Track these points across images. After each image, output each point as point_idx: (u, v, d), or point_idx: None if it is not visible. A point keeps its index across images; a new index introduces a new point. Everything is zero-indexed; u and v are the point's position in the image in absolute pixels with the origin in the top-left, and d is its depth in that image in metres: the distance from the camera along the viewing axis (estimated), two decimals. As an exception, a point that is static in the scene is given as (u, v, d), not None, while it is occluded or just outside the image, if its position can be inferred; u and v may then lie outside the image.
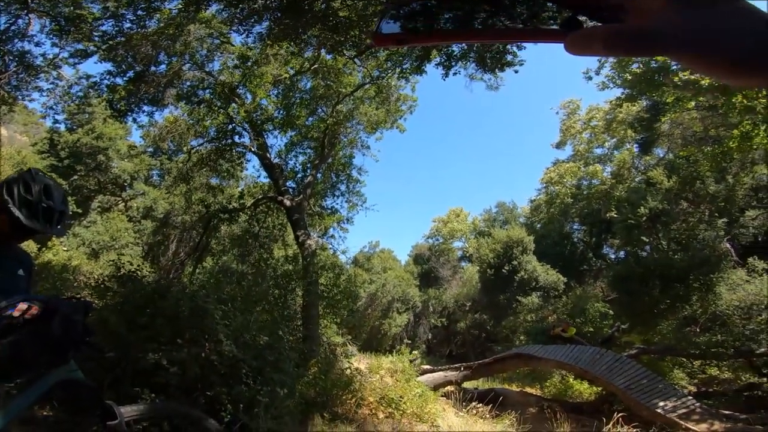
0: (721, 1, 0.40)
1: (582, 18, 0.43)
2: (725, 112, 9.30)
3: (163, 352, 3.70)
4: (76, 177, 18.32)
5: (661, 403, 8.73)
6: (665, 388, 9.41)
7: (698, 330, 13.21)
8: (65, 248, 15.79)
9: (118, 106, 11.48)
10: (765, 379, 11.95)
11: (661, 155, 20.56)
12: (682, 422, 8.19)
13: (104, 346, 2.90)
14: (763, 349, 11.23)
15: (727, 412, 9.02)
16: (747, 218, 17.42)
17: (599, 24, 0.42)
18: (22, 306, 1.65)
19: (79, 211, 17.80)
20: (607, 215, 20.30)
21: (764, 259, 14.36)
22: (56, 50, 9.75)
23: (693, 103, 9.87)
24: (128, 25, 9.06)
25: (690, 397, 9.24)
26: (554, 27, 0.43)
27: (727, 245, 16.74)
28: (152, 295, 4.77)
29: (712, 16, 0.39)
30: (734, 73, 0.40)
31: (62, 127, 17.66)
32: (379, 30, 0.46)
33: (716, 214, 17.04)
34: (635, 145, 21.38)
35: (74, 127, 18.63)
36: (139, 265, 6.09)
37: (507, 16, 0.45)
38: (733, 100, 8.25)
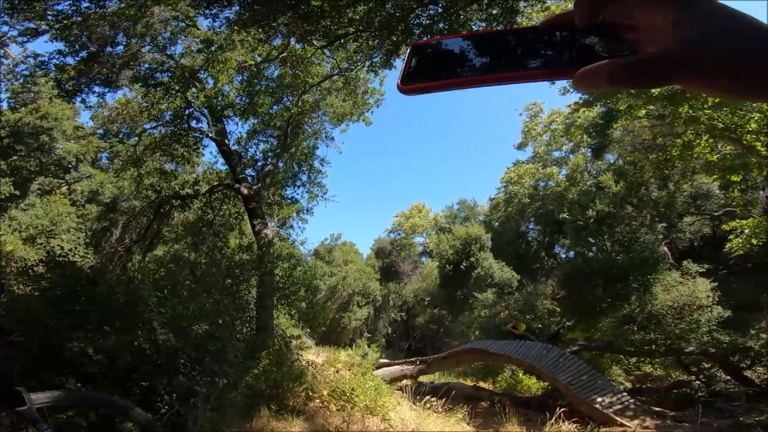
0: (725, 14, 0.37)
1: (597, 47, 0.42)
2: (672, 121, 9.91)
3: (89, 340, 3.42)
4: (15, 157, 16.81)
5: (599, 399, 9.22)
6: (603, 384, 9.95)
7: (635, 328, 14.10)
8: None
9: (67, 86, 10.79)
10: (693, 377, 12.94)
11: (612, 161, 21.75)
12: (617, 418, 8.70)
13: (8, 329, 2.65)
14: (691, 348, 12.14)
15: (657, 408, 9.63)
16: (684, 224, 18.80)
17: (606, 59, 0.41)
18: None
19: (17, 193, 16.36)
20: (560, 216, 21.22)
21: (698, 263, 15.56)
22: (5, 29, 9.15)
23: (644, 111, 10.44)
24: (86, 4, 8.53)
25: (625, 394, 9.83)
26: (567, 63, 0.43)
27: (665, 248, 18.02)
28: (83, 281, 4.44)
29: (721, 31, 0.36)
30: (753, 93, 0.38)
31: (4, 106, 16.46)
32: (403, 78, 0.46)
33: (657, 219, 18.30)
34: (589, 150, 22.47)
35: (17, 106, 17.23)
36: (71, 250, 5.63)
37: (528, 59, 0.45)
38: (680, 110, 8.79)
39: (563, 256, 25.63)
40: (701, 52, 0.36)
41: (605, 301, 15.52)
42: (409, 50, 0.49)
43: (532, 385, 13.45)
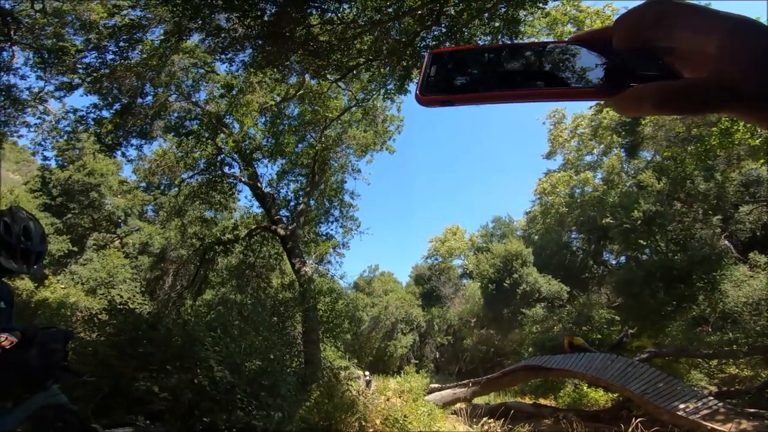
0: None
1: (633, 68, 0.40)
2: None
3: (154, 379, 3.57)
4: (69, 215, 18.21)
5: (682, 406, 8.43)
6: (684, 390, 9.13)
7: (709, 329, 12.98)
8: (62, 286, 15.62)
9: (106, 140, 11.47)
10: (788, 375, 11.63)
11: (649, 158, 20.78)
12: (707, 423, 7.86)
13: (82, 371, 2.82)
14: (780, 345, 10.99)
15: (752, 410, 8.72)
16: (742, 214, 17.44)
17: (649, 82, 0.38)
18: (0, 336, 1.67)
19: (75, 249, 17.65)
20: (603, 221, 20.29)
21: (765, 253, 14.29)
22: (41, 83, 9.91)
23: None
24: (111, 56, 9.23)
25: (711, 398, 8.95)
26: (602, 85, 0.40)
27: (726, 242, 16.72)
28: (143, 326, 4.70)
29: None
30: None
31: (53, 164, 17.71)
32: (422, 87, 0.43)
33: (710, 212, 17.08)
34: (622, 150, 21.63)
35: (65, 164, 18.63)
36: (129, 298, 6.00)
37: (555, 75, 0.42)
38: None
39: (613, 262, 24.28)
40: (755, 82, 0.32)
41: (669, 304, 14.49)
42: (427, 58, 0.45)
43: (600, 397, 12.56)
